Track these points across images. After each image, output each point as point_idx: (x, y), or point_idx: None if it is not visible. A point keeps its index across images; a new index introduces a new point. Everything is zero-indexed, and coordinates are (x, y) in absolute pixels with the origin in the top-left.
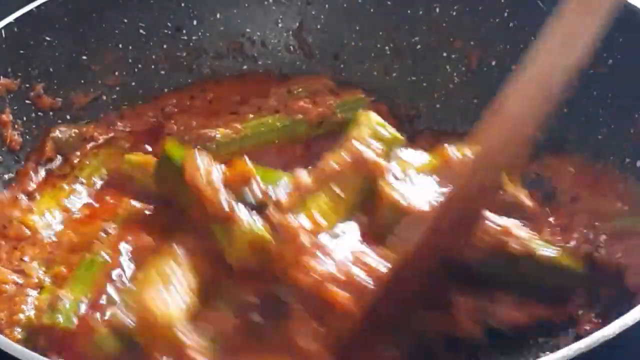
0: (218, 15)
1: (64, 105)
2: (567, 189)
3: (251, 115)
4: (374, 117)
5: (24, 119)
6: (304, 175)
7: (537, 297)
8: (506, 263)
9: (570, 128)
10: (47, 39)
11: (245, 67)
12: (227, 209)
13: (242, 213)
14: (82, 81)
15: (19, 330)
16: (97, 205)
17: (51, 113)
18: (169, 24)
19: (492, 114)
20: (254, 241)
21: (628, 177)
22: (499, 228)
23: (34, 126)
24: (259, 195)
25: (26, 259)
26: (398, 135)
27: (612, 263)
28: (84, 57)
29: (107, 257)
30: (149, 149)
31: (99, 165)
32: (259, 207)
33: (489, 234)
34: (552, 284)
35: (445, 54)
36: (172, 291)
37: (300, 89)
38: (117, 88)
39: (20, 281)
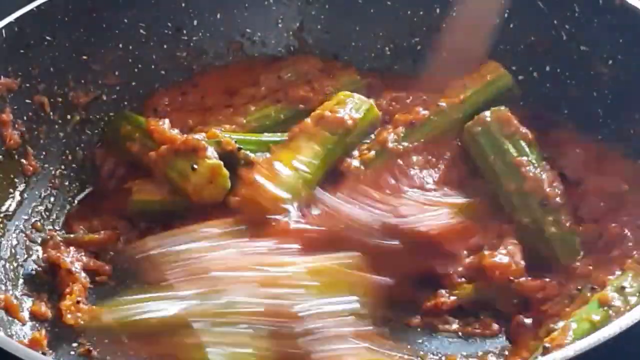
0: (218, 15)
1: (64, 105)
2: (575, 172)
3: (252, 108)
4: (344, 92)
5: (24, 118)
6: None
7: None
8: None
9: (570, 128)
10: (47, 39)
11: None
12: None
13: (209, 150)
14: (82, 81)
15: None
16: None
17: (51, 113)
18: (169, 24)
19: None
20: (214, 167)
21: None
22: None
23: (34, 126)
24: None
25: None
26: (364, 99)
27: None
28: (84, 57)
29: None
30: None
31: None
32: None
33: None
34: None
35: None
36: None
37: (290, 74)
38: (117, 88)
39: None
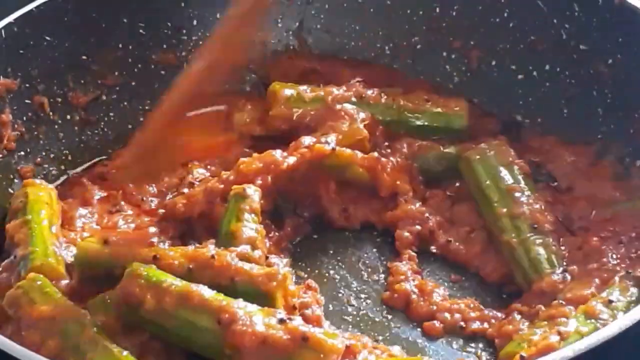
0: (218, 15)
1: (64, 105)
2: (566, 177)
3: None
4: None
5: (24, 118)
6: None
7: None
8: None
9: (570, 128)
10: (47, 39)
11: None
12: None
13: None
14: (82, 81)
15: None
16: None
17: (51, 113)
18: (169, 23)
19: None
20: None
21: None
22: None
23: (33, 126)
24: None
25: None
26: None
27: None
28: (84, 57)
29: None
30: None
31: None
32: None
33: None
34: None
35: (445, 54)
36: None
37: None
38: (117, 88)
39: None
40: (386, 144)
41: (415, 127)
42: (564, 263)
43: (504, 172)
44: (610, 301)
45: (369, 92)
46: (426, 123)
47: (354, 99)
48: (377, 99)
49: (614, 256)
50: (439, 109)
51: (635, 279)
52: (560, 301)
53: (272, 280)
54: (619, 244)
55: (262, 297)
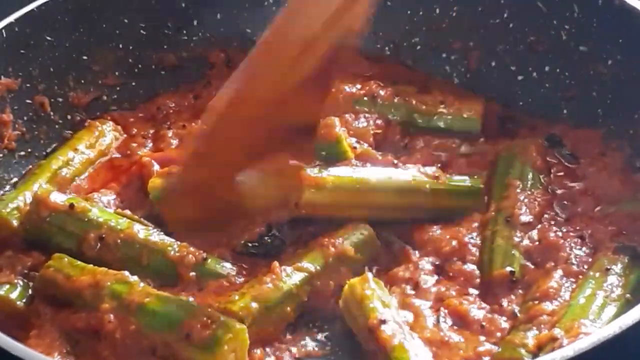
0: (218, 15)
1: (64, 105)
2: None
3: None
4: None
5: (24, 118)
6: None
7: None
8: None
9: (570, 128)
10: (47, 39)
11: None
12: None
13: None
14: (82, 81)
15: None
16: None
17: (51, 113)
18: (169, 24)
19: None
20: None
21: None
22: None
23: (34, 126)
24: None
25: None
26: None
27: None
28: (84, 57)
29: None
30: None
31: None
32: None
33: None
34: None
35: (445, 54)
36: None
37: None
38: (117, 88)
39: None
40: (402, 143)
41: (425, 129)
42: (524, 258)
43: (517, 167)
44: (607, 269)
45: (382, 92)
46: (438, 125)
47: (365, 99)
48: (390, 99)
49: (564, 253)
50: (452, 113)
51: (623, 249)
52: (535, 301)
53: None
54: (580, 239)
55: None
